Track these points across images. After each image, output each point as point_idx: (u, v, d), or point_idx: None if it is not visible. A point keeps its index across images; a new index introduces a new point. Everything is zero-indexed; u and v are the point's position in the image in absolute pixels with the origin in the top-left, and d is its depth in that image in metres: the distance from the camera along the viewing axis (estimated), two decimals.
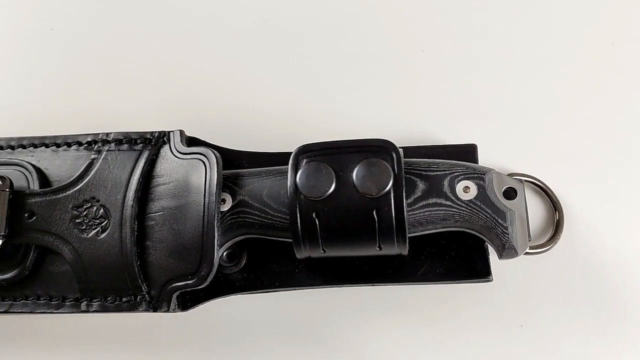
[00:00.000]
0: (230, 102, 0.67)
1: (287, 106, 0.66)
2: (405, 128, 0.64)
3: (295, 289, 0.59)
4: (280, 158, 0.61)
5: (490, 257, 0.57)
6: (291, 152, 0.60)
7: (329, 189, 0.52)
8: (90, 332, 0.62)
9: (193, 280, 0.55)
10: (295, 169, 0.53)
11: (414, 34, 0.68)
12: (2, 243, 0.57)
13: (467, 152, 0.60)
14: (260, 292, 0.59)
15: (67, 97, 0.69)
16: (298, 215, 0.52)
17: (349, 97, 0.67)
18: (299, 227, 0.53)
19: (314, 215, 0.52)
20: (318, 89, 0.67)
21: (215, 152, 0.57)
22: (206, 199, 0.55)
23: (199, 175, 0.56)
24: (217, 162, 0.56)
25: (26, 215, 0.58)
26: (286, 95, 0.67)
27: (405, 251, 0.54)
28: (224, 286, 0.59)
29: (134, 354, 0.61)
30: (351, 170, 0.52)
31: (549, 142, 0.63)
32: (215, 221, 0.54)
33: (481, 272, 0.57)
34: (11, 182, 0.59)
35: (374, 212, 0.52)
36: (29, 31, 0.71)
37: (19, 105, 0.69)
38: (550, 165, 0.62)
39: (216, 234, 0.54)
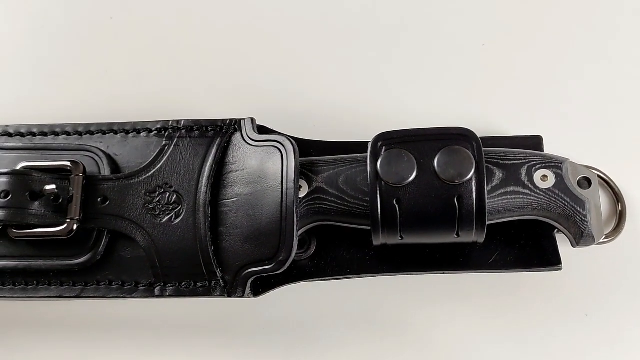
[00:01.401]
0: (293, 91, 0.68)
1: (350, 97, 0.67)
2: (469, 120, 0.64)
3: (367, 276, 0.59)
4: (348, 147, 0.62)
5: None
6: (359, 142, 0.62)
7: (411, 175, 0.53)
8: (155, 319, 0.62)
9: (271, 266, 0.55)
10: (375, 156, 0.54)
11: (474, 28, 0.69)
12: (77, 228, 0.58)
13: (533, 144, 0.61)
14: (331, 279, 0.59)
15: (128, 84, 0.69)
16: (379, 201, 0.53)
17: (411, 89, 0.67)
18: (380, 213, 0.53)
19: (394, 201, 0.53)
20: (381, 81, 0.67)
21: (291, 139, 0.57)
22: (284, 186, 0.55)
23: (275, 162, 0.57)
24: (294, 149, 0.56)
25: (99, 200, 0.59)
26: (350, 86, 0.67)
27: (482, 239, 0.55)
28: (294, 272, 0.59)
29: (202, 340, 0.61)
30: (432, 158, 0.53)
31: (611, 134, 0.64)
32: (295, 207, 0.55)
33: (552, 260, 0.57)
34: (84, 167, 0.59)
35: (455, 199, 0.52)
36: (88, 19, 0.71)
37: (82, 93, 0.69)
38: (612, 157, 0.63)
39: (295, 220, 0.54)
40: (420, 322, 0.60)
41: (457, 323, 0.60)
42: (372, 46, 0.69)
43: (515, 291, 0.60)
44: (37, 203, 0.57)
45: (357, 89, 0.67)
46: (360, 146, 0.61)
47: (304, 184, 0.56)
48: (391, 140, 0.54)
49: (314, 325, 0.61)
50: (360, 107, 0.67)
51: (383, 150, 0.54)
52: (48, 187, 0.57)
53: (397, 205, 0.53)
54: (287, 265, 0.55)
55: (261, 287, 0.58)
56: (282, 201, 0.55)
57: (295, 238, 0.55)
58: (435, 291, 0.61)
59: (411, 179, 0.53)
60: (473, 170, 0.52)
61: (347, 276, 0.59)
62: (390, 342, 0.60)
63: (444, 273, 0.59)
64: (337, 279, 0.59)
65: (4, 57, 0.70)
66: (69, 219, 0.57)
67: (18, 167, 0.59)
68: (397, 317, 0.61)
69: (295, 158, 0.56)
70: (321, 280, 0.59)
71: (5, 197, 0.57)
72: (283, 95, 0.68)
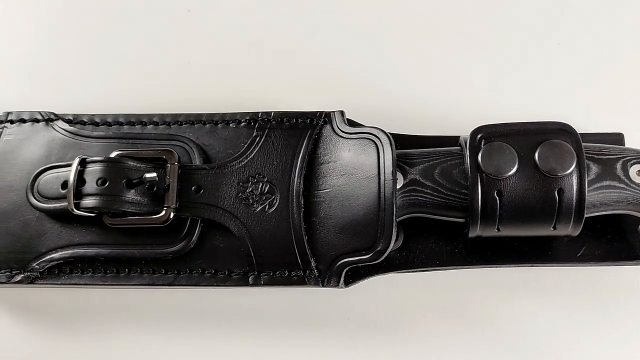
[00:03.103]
0: (372, 85, 0.69)
1: (429, 92, 0.68)
2: (548, 118, 0.66)
3: (455, 268, 0.60)
4: (433, 141, 0.63)
5: None
6: (439, 136, 0.63)
7: (512, 168, 0.54)
8: (238, 309, 0.63)
9: (368, 256, 0.56)
10: (474, 149, 0.55)
11: (551, 26, 0.70)
12: (173, 216, 0.58)
13: (614, 141, 0.62)
14: (420, 271, 0.60)
15: (209, 76, 0.70)
16: (479, 193, 0.54)
17: (489, 86, 0.68)
18: (479, 205, 0.54)
19: (495, 193, 0.54)
20: (458, 78, 0.69)
21: (386, 131, 0.58)
22: (382, 177, 0.56)
23: (370, 154, 0.58)
24: (389, 141, 0.57)
25: (193, 189, 0.59)
26: (428, 82, 0.68)
27: (577, 232, 0.56)
28: (383, 264, 0.59)
29: (288, 330, 0.62)
30: (533, 151, 0.54)
31: None
32: (394, 198, 0.55)
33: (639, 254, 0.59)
34: (179, 156, 0.60)
35: (556, 192, 0.53)
36: (167, 13, 0.72)
37: (165, 84, 0.69)
38: None
39: (394, 210, 0.55)
40: (505, 314, 0.61)
41: (542, 316, 0.61)
42: (449, 43, 0.70)
43: (599, 286, 0.61)
44: (132, 191, 0.58)
45: (437, 83, 0.68)
46: (442, 140, 0.62)
47: (399, 175, 0.57)
48: (491, 134, 0.55)
49: (398, 317, 0.62)
50: (440, 102, 0.68)
51: (482, 143, 0.55)
52: (149, 175, 0.57)
53: (497, 198, 0.54)
54: (385, 255, 0.56)
55: (351, 277, 0.59)
56: (379, 192, 0.56)
57: (394, 228, 0.55)
58: (519, 284, 0.62)
59: (512, 171, 0.54)
60: (574, 164, 0.53)
61: (436, 268, 0.60)
62: (475, 334, 0.61)
63: (532, 266, 0.60)
64: (425, 271, 0.60)
65: (90, 49, 0.71)
66: (165, 207, 0.58)
67: (112, 155, 0.60)
68: (483, 310, 0.61)
69: (392, 150, 0.57)
70: (410, 271, 0.60)
71: (102, 184, 0.57)
72: (361, 89, 0.68)
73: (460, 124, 0.64)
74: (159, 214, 0.58)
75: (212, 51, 0.70)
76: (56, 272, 0.59)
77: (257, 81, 0.69)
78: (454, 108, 0.67)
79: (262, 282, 0.58)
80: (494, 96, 0.68)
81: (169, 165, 0.59)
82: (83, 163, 0.58)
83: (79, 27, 0.72)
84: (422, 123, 0.66)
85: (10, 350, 0.61)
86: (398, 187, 0.57)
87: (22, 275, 0.59)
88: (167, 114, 0.64)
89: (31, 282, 0.59)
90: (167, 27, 0.71)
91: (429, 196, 0.57)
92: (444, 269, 0.60)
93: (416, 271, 0.60)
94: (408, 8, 0.71)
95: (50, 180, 0.59)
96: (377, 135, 0.58)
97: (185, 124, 0.63)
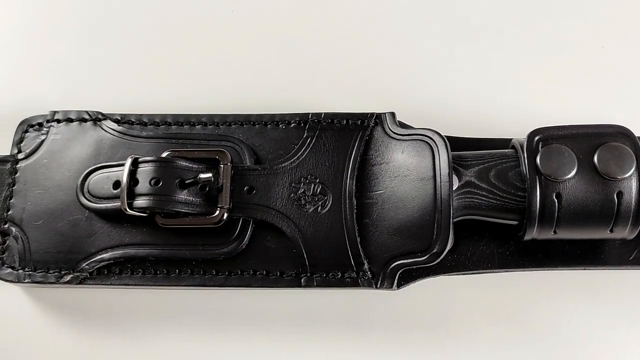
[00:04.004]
0: (413, 87, 0.69)
1: (470, 96, 0.68)
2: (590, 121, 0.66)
3: (508, 271, 0.60)
4: (481, 143, 0.63)
5: None
6: (494, 138, 0.63)
7: (572, 170, 0.54)
8: (284, 311, 0.62)
9: (424, 258, 0.56)
10: (532, 151, 0.55)
11: (593, 31, 0.70)
12: (226, 217, 0.58)
13: None
14: (471, 273, 0.60)
15: (250, 77, 0.70)
16: (538, 195, 0.54)
17: (530, 90, 0.68)
18: (538, 207, 0.54)
19: (554, 196, 0.54)
20: (500, 81, 0.69)
21: (440, 133, 0.58)
22: (438, 179, 0.56)
23: (425, 156, 0.57)
24: (444, 143, 0.57)
25: (245, 189, 0.59)
26: (471, 85, 0.68)
27: (633, 235, 0.55)
28: (434, 266, 0.59)
29: (336, 334, 0.61)
30: (592, 154, 0.54)
31: None
32: (450, 200, 0.55)
33: None
34: (231, 156, 0.59)
35: (615, 195, 0.53)
36: (211, 13, 0.72)
37: (206, 85, 0.69)
38: None
39: (451, 212, 0.55)
40: (555, 318, 0.61)
41: (593, 320, 0.61)
42: (490, 46, 0.70)
43: None
44: (185, 191, 0.58)
45: (478, 88, 0.68)
46: (490, 142, 0.62)
47: (454, 178, 0.57)
48: (549, 136, 0.55)
49: (447, 319, 0.61)
50: (480, 106, 0.68)
51: (540, 145, 0.55)
52: (204, 176, 0.57)
53: (556, 200, 0.54)
54: (442, 257, 0.56)
55: (402, 279, 0.59)
56: (435, 194, 0.56)
57: (451, 230, 0.55)
58: (567, 286, 0.62)
59: (572, 174, 0.54)
60: (634, 167, 0.53)
61: (488, 270, 0.60)
62: (525, 338, 0.61)
63: (584, 269, 0.60)
64: (477, 273, 0.60)
65: (134, 50, 0.70)
66: (219, 207, 0.57)
67: (164, 155, 0.59)
68: (533, 313, 0.61)
69: (447, 151, 0.57)
70: (461, 274, 0.60)
71: (156, 184, 0.57)
72: (401, 91, 0.68)
73: (498, 128, 0.64)
74: (212, 214, 0.58)
75: (253, 52, 0.70)
76: (105, 273, 0.59)
77: (296, 82, 0.69)
78: (499, 111, 0.67)
79: (315, 284, 0.58)
80: (532, 100, 0.68)
81: (221, 165, 0.59)
82: (135, 163, 0.58)
83: (120, 27, 0.72)
84: (462, 126, 0.66)
85: (58, 352, 0.61)
86: (454, 188, 0.57)
87: (72, 276, 0.59)
88: (216, 114, 0.63)
89: (80, 283, 0.59)
90: (211, 28, 0.71)
91: (484, 198, 0.56)
92: (496, 272, 0.60)
93: (467, 274, 0.60)
94: (457, 10, 0.71)
95: (101, 180, 0.59)
96: (432, 136, 0.58)
97: (234, 124, 0.63)
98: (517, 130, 0.63)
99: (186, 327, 0.62)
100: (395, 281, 0.57)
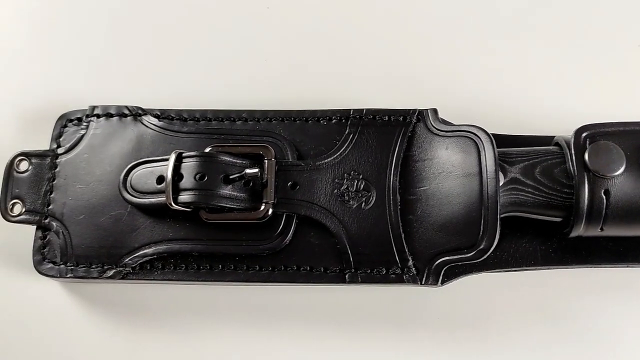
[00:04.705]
0: (452, 85, 0.68)
1: (508, 92, 0.68)
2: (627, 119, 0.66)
3: (551, 268, 0.60)
4: (524, 140, 0.63)
5: None
6: (537, 135, 0.63)
7: (620, 167, 0.54)
8: (323, 307, 0.62)
9: (471, 254, 0.56)
10: (579, 148, 0.55)
11: (629, 29, 0.70)
12: (271, 212, 0.58)
13: None
14: (515, 270, 0.60)
15: (286, 73, 0.69)
16: (586, 192, 0.54)
17: (565, 88, 0.68)
18: (586, 204, 0.54)
19: (602, 192, 0.54)
20: (539, 79, 0.69)
21: (485, 129, 0.58)
22: (484, 175, 0.56)
23: (470, 152, 0.57)
24: (490, 139, 0.57)
25: (289, 185, 0.59)
26: (510, 82, 0.68)
27: None
28: (477, 263, 0.59)
29: (376, 330, 0.61)
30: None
31: None
32: (497, 196, 0.55)
33: None
34: (275, 152, 0.59)
35: None
36: (247, 10, 0.72)
37: (243, 81, 0.69)
38: None
39: (499, 208, 0.55)
40: (594, 317, 0.61)
41: (634, 319, 0.61)
42: (528, 45, 0.70)
43: None
44: (230, 186, 0.57)
45: (517, 87, 0.68)
46: (533, 139, 0.62)
47: (499, 174, 0.57)
48: (596, 133, 0.55)
49: (489, 317, 0.61)
50: (513, 105, 0.68)
51: (588, 142, 0.55)
52: (250, 171, 0.57)
53: (604, 197, 0.54)
54: (489, 253, 0.55)
55: (445, 276, 0.58)
56: (482, 190, 0.56)
57: (498, 227, 0.55)
58: (608, 285, 0.62)
59: (620, 170, 0.54)
60: None
61: (531, 268, 0.60)
62: (565, 337, 0.60)
63: (628, 266, 0.60)
64: (520, 270, 0.60)
65: (172, 47, 0.70)
66: (264, 202, 0.57)
67: (207, 150, 0.59)
68: (574, 311, 0.61)
69: (493, 148, 0.56)
70: (504, 271, 0.60)
71: (201, 179, 0.57)
72: (440, 88, 0.68)
73: (537, 125, 0.65)
74: (257, 209, 0.57)
75: (289, 48, 0.70)
76: (148, 268, 0.59)
77: (331, 78, 0.69)
78: (537, 109, 0.67)
79: (360, 280, 0.58)
80: (566, 101, 0.68)
81: (265, 160, 0.59)
82: (179, 158, 0.58)
83: (158, 23, 0.72)
84: (499, 123, 0.66)
85: (98, 348, 0.61)
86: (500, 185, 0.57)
87: (114, 271, 0.59)
88: (256, 110, 0.63)
89: (123, 278, 0.59)
90: (247, 24, 0.71)
91: (530, 195, 0.56)
92: (539, 269, 0.60)
93: (510, 271, 0.60)
94: (497, 6, 0.71)
95: (145, 174, 0.59)
96: (477, 133, 0.58)
97: (274, 120, 0.63)
98: (556, 128, 0.63)
99: (228, 324, 0.61)
100: (440, 278, 0.57)
